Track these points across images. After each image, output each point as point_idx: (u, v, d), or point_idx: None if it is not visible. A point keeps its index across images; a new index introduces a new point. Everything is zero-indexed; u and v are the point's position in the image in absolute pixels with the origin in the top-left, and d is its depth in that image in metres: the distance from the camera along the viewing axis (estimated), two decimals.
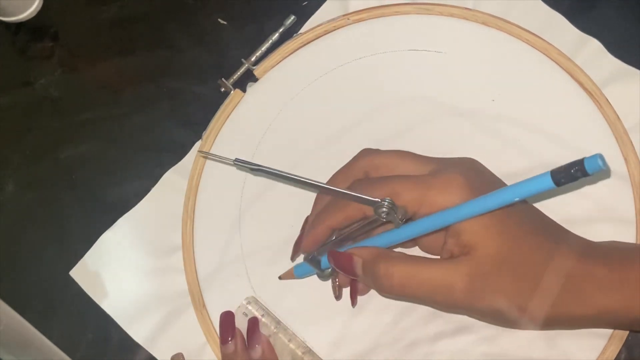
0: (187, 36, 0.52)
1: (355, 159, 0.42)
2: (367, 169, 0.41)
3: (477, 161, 0.41)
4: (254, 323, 0.45)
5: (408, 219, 0.38)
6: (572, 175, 0.30)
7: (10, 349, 0.47)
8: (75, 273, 0.49)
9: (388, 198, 0.37)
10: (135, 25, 0.53)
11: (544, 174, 0.31)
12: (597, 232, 0.42)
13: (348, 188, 0.39)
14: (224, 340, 0.44)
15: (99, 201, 0.51)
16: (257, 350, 0.44)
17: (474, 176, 0.38)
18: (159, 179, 0.50)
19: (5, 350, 0.47)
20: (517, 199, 0.33)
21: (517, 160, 0.46)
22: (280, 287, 0.47)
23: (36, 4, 0.54)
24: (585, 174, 0.29)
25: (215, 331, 0.46)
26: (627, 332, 0.43)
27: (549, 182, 0.31)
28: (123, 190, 0.50)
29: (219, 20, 0.52)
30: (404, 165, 0.40)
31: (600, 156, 0.29)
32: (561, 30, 0.48)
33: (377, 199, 0.37)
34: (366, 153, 0.42)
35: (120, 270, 0.49)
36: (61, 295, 0.50)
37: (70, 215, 0.51)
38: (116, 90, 0.52)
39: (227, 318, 0.45)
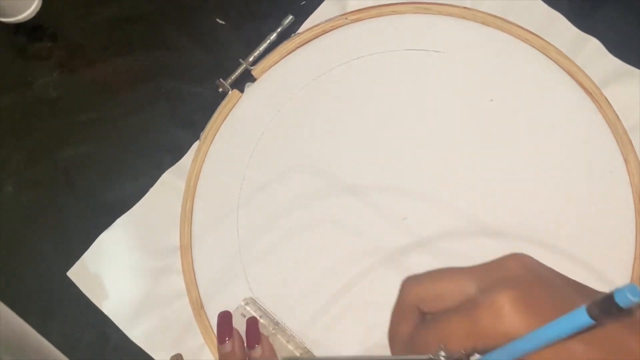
0: (186, 36, 0.53)
1: (402, 297, 0.39)
2: (417, 304, 0.39)
3: (526, 260, 0.37)
4: (253, 323, 0.45)
5: (470, 354, 0.37)
6: (607, 310, 0.27)
7: (8, 350, 0.47)
8: (73, 274, 0.50)
9: (441, 349, 0.35)
10: (134, 26, 0.54)
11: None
12: (597, 233, 0.42)
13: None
14: (221, 340, 0.44)
15: (97, 202, 0.51)
16: (257, 350, 0.44)
17: (523, 293, 0.36)
18: (157, 180, 0.50)
19: (3, 351, 0.47)
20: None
21: (515, 159, 0.46)
22: (278, 288, 0.47)
23: (35, 4, 0.54)
24: (619, 309, 0.26)
25: (213, 332, 0.46)
26: None
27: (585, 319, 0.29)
28: (121, 190, 0.51)
29: (217, 20, 0.52)
30: (450, 292, 0.38)
31: (631, 289, 0.25)
32: (561, 29, 0.48)
33: (429, 356, 0.35)
34: (409, 287, 0.39)
35: (118, 271, 0.49)
36: (60, 296, 0.50)
37: (68, 215, 0.51)
38: (114, 91, 0.53)
39: (225, 318, 0.45)
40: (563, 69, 0.47)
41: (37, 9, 0.55)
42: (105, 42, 0.54)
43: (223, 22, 0.52)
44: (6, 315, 0.49)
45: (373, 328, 0.45)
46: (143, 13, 0.54)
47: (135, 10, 0.54)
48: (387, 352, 0.44)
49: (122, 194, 0.51)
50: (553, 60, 0.47)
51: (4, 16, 0.54)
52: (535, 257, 0.42)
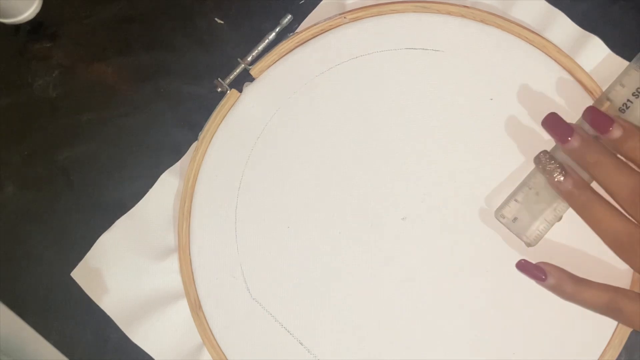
0: (184, 36, 0.53)
1: None
2: None
3: None
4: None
5: None
6: None
7: (8, 351, 0.48)
8: (76, 274, 0.50)
9: None
10: (132, 25, 0.54)
11: None
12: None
13: None
14: (563, 140, 0.41)
15: (97, 202, 0.51)
16: (615, 130, 0.40)
17: None
18: (156, 180, 0.51)
19: (3, 351, 0.47)
20: None
21: (516, 159, 0.46)
22: (276, 289, 0.47)
23: (35, 5, 0.55)
24: None
25: (212, 332, 0.47)
26: (627, 334, 0.44)
27: None
28: (121, 191, 0.51)
29: (216, 19, 0.53)
30: None
31: None
32: (561, 27, 0.48)
33: None
34: None
35: (118, 271, 0.50)
36: (60, 297, 0.50)
37: (68, 216, 0.52)
38: (114, 91, 0.53)
39: (554, 117, 0.42)
40: (563, 68, 0.47)
41: (38, 10, 0.55)
42: (105, 43, 0.54)
43: (222, 22, 0.53)
44: (6, 316, 0.49)
45: (374, 327, 0.46)
46: (142, 13, 0.54)
47: (134, 10, 0.54)
48: (390, 354, 0.45)
49: (121, 194, 0.51)
50: (553, 59, 0.47)
51: (4, 17, 0.54)
52: (538, 250, 0.42)
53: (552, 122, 0.42)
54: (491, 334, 0.45)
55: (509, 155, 0.46)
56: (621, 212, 0.39)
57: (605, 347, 0.44)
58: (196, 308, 0.47)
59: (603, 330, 0.44)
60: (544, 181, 0.44)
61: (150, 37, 0.54)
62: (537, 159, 0.43)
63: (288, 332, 0.46)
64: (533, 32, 0.47)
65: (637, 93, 0.44)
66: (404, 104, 0.48)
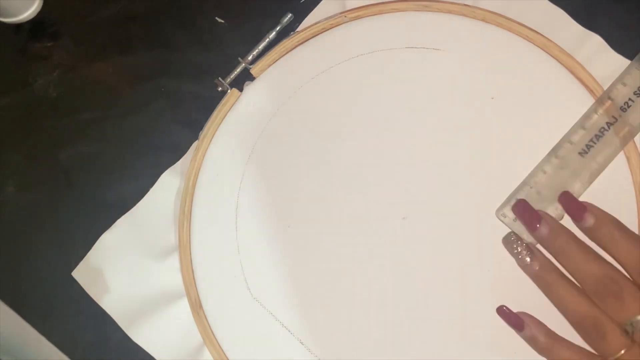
0: (185, 35, 0.53)
1: None
2: None
3: None
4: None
5: None
6: None
7: (8, 350, 0.48)
8: (77, 274, 0.50)
9: None
10: (133, 25, 0.54)
11: None
12: None
13: None
14: (532, 227, 0.43)
15: (98, 201, 0.51)
16: (587, 219, 0.42)
17: None
18: (157, 179, 0.51)
19: (4, 351, 0.48)
20: None
21: (516, 158, 0.46)
22: (277, 288, 0.47)
23: (36, 4, 0.55)
24: None
25: (212, 332, 0.47)
26: None
27: None
28: (121, 190, 0.51)
29: (217, 18, 0.53)
30: None
31: None
32: (563, 25, 0.49)
33: None
34: None
35: (119, 271, 0.50)
36: (61, 296, 0.51)
37: (69, 215, 0.52)
38: (114, 90, 0.53)
39: (523, 204, 0.44)
40: (564, 66, 0.47)
41: (39, 9, 0.55)
42: (106, 42, 0.54)
43: (222, 21, 0.53)
44: (7, 315, 0.49)
45: (375, 327, 0.46)
46: (143, 12, 0.54)
47: (135, 10, 0.54)
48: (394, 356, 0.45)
49: (122, 194, 0.51)
50: (554, 58, 0.47)
51: (5, 16, 0.54)
52: None
53: (521, 209, 0.44)
54: (492, 334, 0.45)
55: (509, 155, 0.46)
56: (587, 297, 0.40)
57: None
58: (197, 307, 0.47)
59: None
60: (545, 180, 0.44)
61: (151, 36, 0.54)
62: (506, 240, 0.44)
63: (288, 331, 0.46)
64: (534, 31, 0.47)
65: (638, 92, 0.44)
66: (405, 102, 0.48)
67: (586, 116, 0.45)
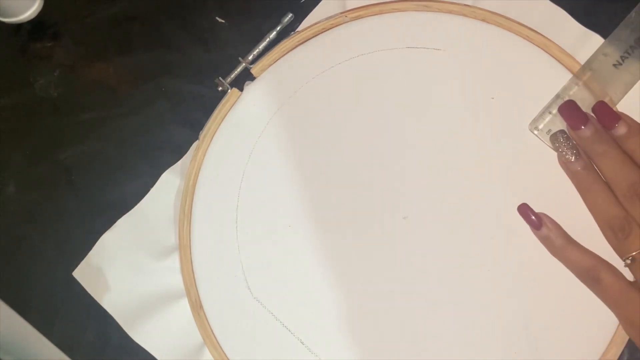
0: (185, 35, 0.53)
1: None
2: None
3: None
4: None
5: None
6: None
7: (9, 350, 0.48)
8: (78, 274, 0.51)
9: None
10: (134, 25, 0.54)
11: None
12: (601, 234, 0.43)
13: None
14: (577, 126, 0.44)
15: (99, 201, 0.52)
16: (621, 127, 0.43)
17: None
18: (157, 179, 0.51)
19: (4, 351, 0.48)
20: None
21: (517, 156, 0.46)
22: (277, 288, 0.47)
23: (37, 4, 0.55)
24: None
25: (212, 332, 0.47)
26: None
27: None
28: (122, 190, 0.52)
29: (217, 18, 0.53)
30: None
31: None
32: (563, 25, 0.49)
33: None
34: None
35: (120, 270, 0.50)
36: (62, 296, 0.51)
37: (70, 215, 0.52)
38: (115, 90, 0.53)
39: (570, 104, 0.45)
40: (564, 66, 0.47)
41: (39, 9, 0.55)
42: (106, 42, 0.55)
43: (223, 21, 0.53)
44: (7, 315, 0.50)
45: (376, 326, 0.46)
46: (143, 12, 0.54)
47: (136, 9, 0.55)
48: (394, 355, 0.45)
49: (123, 194, 0.51)
50: (554, 57, 0.47)
51: (6, 16, 0.55)
52: (539, 254, 0.43)
53: (569, 108, 0.45)
54: (493, 334, 0.45)
55: (509, 154, 0.47)
56: (619, 201, 0.42)
57: (608, 345, 0.44)
58: (197, 307, 0.48)
59: (606, 328, 0.44)
60: (577, 92, 0.46)
61: (151, 36, 0.54)
62: (554, 136, 0.45)
63: (289, 331, 0.47)
64: (534, 31, 0.48)
65: (617, 62, 0.46)
66: (405, 102, 0.48)
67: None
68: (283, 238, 0.48)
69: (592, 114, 0.44)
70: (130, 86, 0.53)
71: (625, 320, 0.41)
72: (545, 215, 0.45)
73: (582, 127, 0.44)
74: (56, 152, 0.53)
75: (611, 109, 0.44)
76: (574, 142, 0.44)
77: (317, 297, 0.47)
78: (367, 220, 0.47)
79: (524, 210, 0.45)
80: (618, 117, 0.43)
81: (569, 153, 0.44)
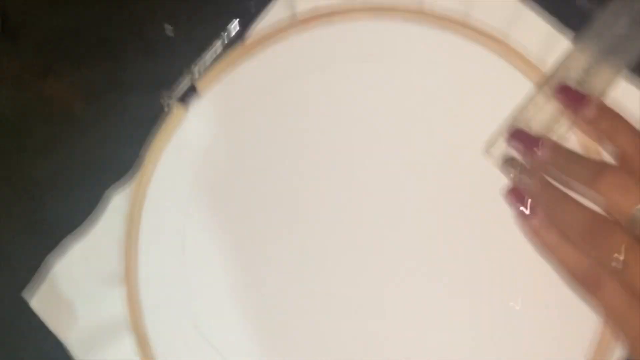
0: (133, 48, 0.52)
1: None
2: None
3: None
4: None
5: None
6: None
7: None
8: (27, 296, 0.50)
9: None
10: (83, 37, 0.53)
11: None
12: None
13: None
14: (531, 151, 0.41)
15: (42, 223, 0.51)
16: (590, 109, 0.41)
17: None
18: (102, 201, 0.50)
19: None
20: None
21: (472, 174, 0.45)
22: (227, 318, 0.46)
23: None
24: None
25: None
26: None
27: None
28: (66, 211, 0.50)
29: (167, 26, 0.51)
30: None
31: None
32: (529, 26, 0.46)
33: None
34: None
35: (70, 297, 0.49)
36: (10, 320, 0.50)
37: (13, 238, 0.51)
38: (62, 107, 0.52)
39: (517, 132, 0.43)
40: (528, 78, 0.44)
41: None
42: (53, 56, 0.53)
43: (172, 28, 0.51)
44: None
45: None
46: (89, 24, 0.53)
47: (81, 21, 0.53)
48: None
49: (67, 215, 0.50)
50: (516, 68, 0.44)
51: None
52: None
53: (517, 136, 0.43)
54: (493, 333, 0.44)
55: (467, 170, 0.45)
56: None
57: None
58: (144, 344, 0.46)
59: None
60: (532, 114, 0.43)
61: (97, 49, 0.53)
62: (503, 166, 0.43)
63: None
64: (494, 37, 0.45)
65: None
66: (357, 117, 0.47)
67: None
68: (233, 264, 0.46)
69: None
70: (80, 103, 0.52)
71: (632, 338, 0.37)
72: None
73: (535, 148, 0.41)
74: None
75: (576, 90, 0.42)
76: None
77: (266, 334, 0.46)
78: (315, 251, 0.46)
79: (513, 193, 0.42)
80: (586, 97, 0.41)
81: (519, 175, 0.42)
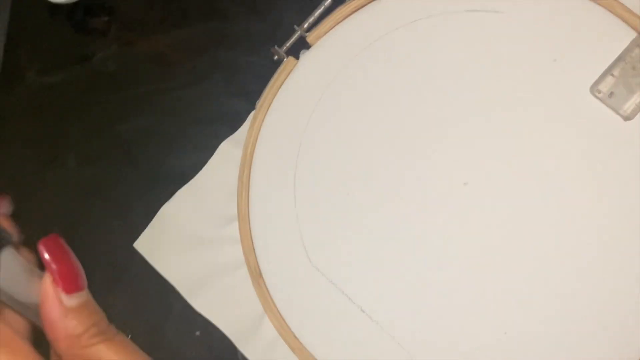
0: (240, 6, 0.55)
1: None
2: None
3: None
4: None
5: None
6: None
7: None
8: (139, 245, 0.53)
9: None
10: None
11: None
12: None
13: None
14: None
15: (157, 173, 0.54)
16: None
17: None
18: (215, 150, 0.53)
19: None
20: None
21: (579, 122, 0.47)
22: (336, 257, 0.49)
23: None
24: None
25: (272, 300, 0.49)
26: None
27: None
28: (180, 162, 0.53)
29: None
30: None
31: None
32: None
33: None
34: None
35: (180, 241, 0.52)
36: (125, 267, 0.53)
37: (129, 188, 0.54)
38: (171, 63, 0.55)
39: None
40: (630, 26, 0.47)
41: None
42: (161, 15, 0.56)
43: None
44: None
45: (437, 294, 0.47)
46: None
47: None
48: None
49: (181, 165, 0.53)
50: (620, 18, 0.47)
51: None
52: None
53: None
54: (549, 307, 0.45)
55: (572, 119, 0.47)
56: None
57: None
58: (257, 276, 0.49)
59: None
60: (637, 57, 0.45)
61: (205, 8, 0.56)
62: None
63: (349, 298, 0.48)
64: None
65: None
66: (465, 67, 0.49)
67: None
68: (342, 206, 0.49)
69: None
70: (185, 58, 0.55)
71: None
72: None
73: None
74: (114, 125, 0.55)
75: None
76: None
77: (376, 265, 0.48)
78: (428, 186, 0.48)
79: None
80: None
81: None
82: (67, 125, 0.56)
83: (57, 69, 0.57)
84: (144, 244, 0.53)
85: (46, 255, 0.32)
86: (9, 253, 0.30)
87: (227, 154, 0.52)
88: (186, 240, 0.52)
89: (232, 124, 0.53)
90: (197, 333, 0.51)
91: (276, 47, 0.52)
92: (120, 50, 0.56)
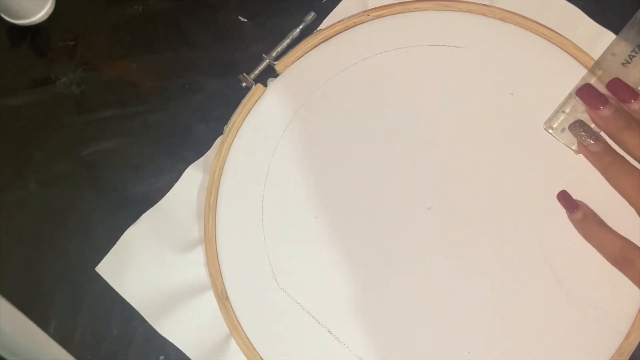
0: (208, 34, 0.57)
1: None
2: None
3: None
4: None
5: None
6: None
7: (15, 351, 0.50)
8: (101, 269, 0.53)
9: None
10: (157, 24, 0.58)
11: None
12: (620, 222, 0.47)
13: None
14: (595, 106, 0.48)
15: (122, 197, 0.55)
16: (637, 103, 0.47)
17: None
18: (181, 174, 0.54)
19: (10, 351, 0.50)
20: None
21: (536, 151, 0.50)
22: (304, 280, 0.51)
23: (48, 6, 0.58)
24: None
25: (239, 323, 0.50)
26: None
27: None
28: (146, 185, 0.54)
29: (240, 17, 0.57)
30: None
31: None
32: (578, 23, 0.53)
33: None
34: None
35: (144, 265, 0.53)
36: (86, 291, 0.53)
37: (92, 211, 0.55)
38: (138, 88, 0.56)
39: (588, 88, 0.49)
40: (580, 63, 0.51)
41: (51, 11, 0.58)
42: (128, 40, 0.58)
43: (245, 20, 0.57)
44: (11, 314, 0.51)
45: (401, 314, 0.49)
46: (165, 11, 0.58)
47: (158, 9, 0.58)
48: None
49: (146, 189, 0.54)
50: (570, 55, 0.51)
51: (18, 18, 0.57)
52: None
53: (587, 91, 0.49)
54: (520, 324, 0.48)
55: (530, 147, 0.50)
56: None
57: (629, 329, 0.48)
58: (223, 299, 0.50)
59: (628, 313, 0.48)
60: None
61: (174, 35, 0.57)
62: (573, 125, 0.49)
63: (316, 320, 0.49)
64: (551, 29, 0.52)
65: (626, 61, 0.50)
66: (427, 97, 0.52)
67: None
68: (309, 229, 0.51)
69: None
70: (153, 83, 0.56)
71: None
72: (582, 202, 0.48)
73: (601, 107, 0.47)
74: (78, 149, 0.56)
75: (626, 84, 0.48)
76: (592, 128, 0.48)
77: (343, 286, 0.50)
78: (391, 210, 0.51)
79: (563, 194, 0.49)
80: (634, 90, 0.47)
81: (588, 138, 0.48)
82: (29, 148, 0.56)
83: (19, 91, 0.57)
84: (106, 268, 0.53)
85: None
86: None
87: (193, 178, 0.54)
88: (150, 263, 0.53)
89: (198, 149, 0.55)
90: (161, 357, 0.52)
91: (244, 74, 0.54)
92: (86, 74, 0.57)
